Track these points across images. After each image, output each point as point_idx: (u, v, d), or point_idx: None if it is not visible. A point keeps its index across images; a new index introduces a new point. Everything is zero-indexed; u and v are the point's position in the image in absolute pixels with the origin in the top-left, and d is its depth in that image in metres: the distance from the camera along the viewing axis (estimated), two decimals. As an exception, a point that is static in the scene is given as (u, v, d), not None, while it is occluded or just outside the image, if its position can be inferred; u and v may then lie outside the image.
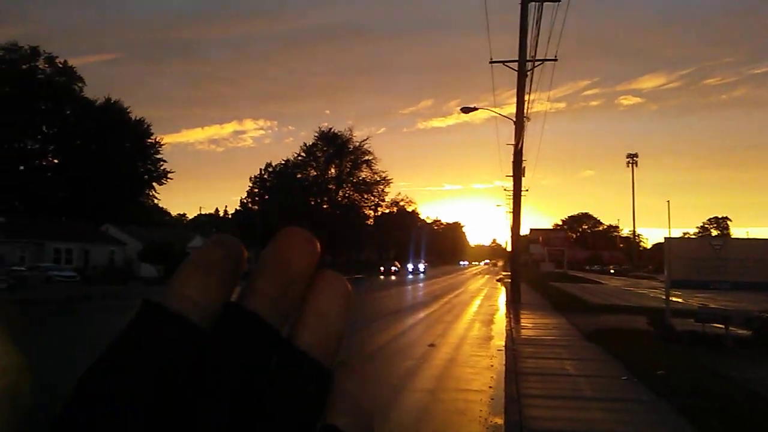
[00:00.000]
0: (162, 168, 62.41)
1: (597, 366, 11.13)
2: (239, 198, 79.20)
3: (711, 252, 14.40)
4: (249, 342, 0.26)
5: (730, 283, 14.12)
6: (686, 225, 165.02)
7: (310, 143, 78.20)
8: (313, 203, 76.47)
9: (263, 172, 75.50)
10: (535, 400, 8.40)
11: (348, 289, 0.30)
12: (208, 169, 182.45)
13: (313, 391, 0.27)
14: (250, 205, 75.41)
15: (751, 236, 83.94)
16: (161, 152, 62.30)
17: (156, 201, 67.15)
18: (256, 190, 73.14)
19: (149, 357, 0.24)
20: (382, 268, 68.13)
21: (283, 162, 77.80)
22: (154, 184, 62.51)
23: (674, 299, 25.37)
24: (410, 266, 74.87)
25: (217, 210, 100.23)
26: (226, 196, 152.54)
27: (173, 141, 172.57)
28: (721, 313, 14.41)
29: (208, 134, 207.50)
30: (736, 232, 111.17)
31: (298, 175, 77.14)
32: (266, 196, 71.95)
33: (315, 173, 78.60)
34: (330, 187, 78.81)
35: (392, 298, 32.27)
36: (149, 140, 60.78)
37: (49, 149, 56.84)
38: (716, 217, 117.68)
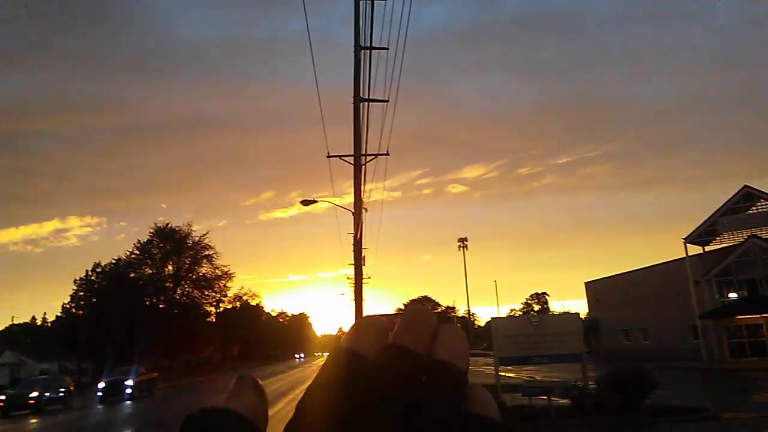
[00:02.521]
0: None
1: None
2: (61, 303, 71.63)
3: (530, 329, 15.63)
4: (406, 366, 0.38)
5: (548, 357, 15.34)
6: (513, 302, 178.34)
7: (145, 240, 74.08)
8: (148, 303, 71.44)
9: (90, 273, 69.50)
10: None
11: (463, 333, 0.42)
12: (23, 273, 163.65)
13: (457, 388, 0.39)
14: (74, 309, 68.53)
15: (565, 309, 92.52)
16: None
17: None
18: (82, 293, 66.83)
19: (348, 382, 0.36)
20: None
21: (114, 261, 72.49)
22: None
23: (509, 374, 26.86)
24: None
25: (33, 318, 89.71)
26: (45, 302, 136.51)
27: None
28: (543, 385, 15.49)
29: (24, 234, 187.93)
30: (554, 305, 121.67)
31: (132, 275, 72.07)
32: (94, 299, 65.93)
33: (151, 271, 74.02)
34: (167, 285, 74.46)
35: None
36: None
37: None
38: (536, 293, 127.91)
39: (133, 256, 73.03)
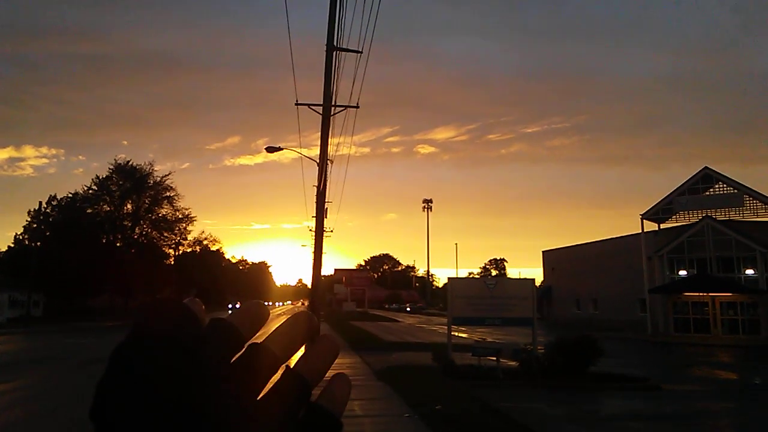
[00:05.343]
0: None
1: (383, 405, 11.39)
2: (13, 234, 69.58)
3: (486, 291, 15.77)
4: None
5: (500, 319, 15.55)
6: (472, 266, 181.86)
7: (104, 176, 72.12)
8: (105, 241, 70.04)
9: (45, 206, 67.54)
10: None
11: (337, 348, 0.43)
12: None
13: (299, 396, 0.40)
14: (27, 241, 66.80)
15: (522, 276, 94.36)
16: None
17: None
18: (35, 225, 65.01)
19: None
20: None
21: (70, 195, 70.53)
22: None
23: (461, 335, 27.34)
24: None
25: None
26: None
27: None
28: (492, 347, 15.74)
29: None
30: (511, 271, 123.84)
31: (89, 210, 70.34)
32: (48, 233, 64.29)
33: (108, 208, 72.37)
34: (125, 223, 73.02)
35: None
36: None
37: None
38: (495, 259, 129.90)
39: (90, 191, 71.24)
